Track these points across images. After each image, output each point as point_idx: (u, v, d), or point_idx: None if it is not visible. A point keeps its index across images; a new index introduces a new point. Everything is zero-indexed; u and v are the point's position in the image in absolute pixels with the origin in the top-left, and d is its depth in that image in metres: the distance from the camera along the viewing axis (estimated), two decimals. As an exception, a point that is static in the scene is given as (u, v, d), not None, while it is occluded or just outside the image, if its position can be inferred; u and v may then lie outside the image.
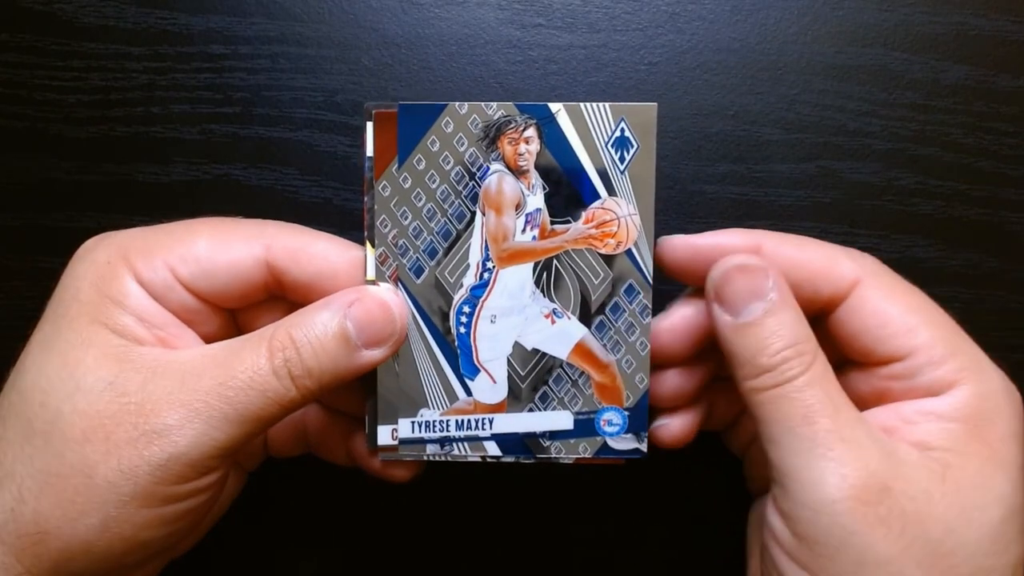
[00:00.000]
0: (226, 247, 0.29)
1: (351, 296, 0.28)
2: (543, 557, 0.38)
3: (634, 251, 0.30)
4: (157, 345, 0.28)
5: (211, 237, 0.29)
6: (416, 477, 0.32)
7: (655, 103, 0.29)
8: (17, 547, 0.25)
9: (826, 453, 0.26)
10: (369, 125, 0.30)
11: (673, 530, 0.38)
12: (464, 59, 0.37)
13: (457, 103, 0.30)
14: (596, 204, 0.30)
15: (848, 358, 0.30)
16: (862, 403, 0.29)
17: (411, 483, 0.32)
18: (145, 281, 0.28)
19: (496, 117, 0.30)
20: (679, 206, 0.37)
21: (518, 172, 0.30)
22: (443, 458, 0.31)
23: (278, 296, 0.30)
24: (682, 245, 0.30)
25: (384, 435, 0.31)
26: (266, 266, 0.29)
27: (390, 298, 0.29)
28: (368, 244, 0.30)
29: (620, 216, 0.30)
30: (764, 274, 0.28)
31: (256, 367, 0.27)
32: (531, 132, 0.30)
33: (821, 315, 0.30)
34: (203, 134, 0.37)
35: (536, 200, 0.30)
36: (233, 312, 0.31)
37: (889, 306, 0.29)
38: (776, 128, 0.37)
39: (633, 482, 0.38)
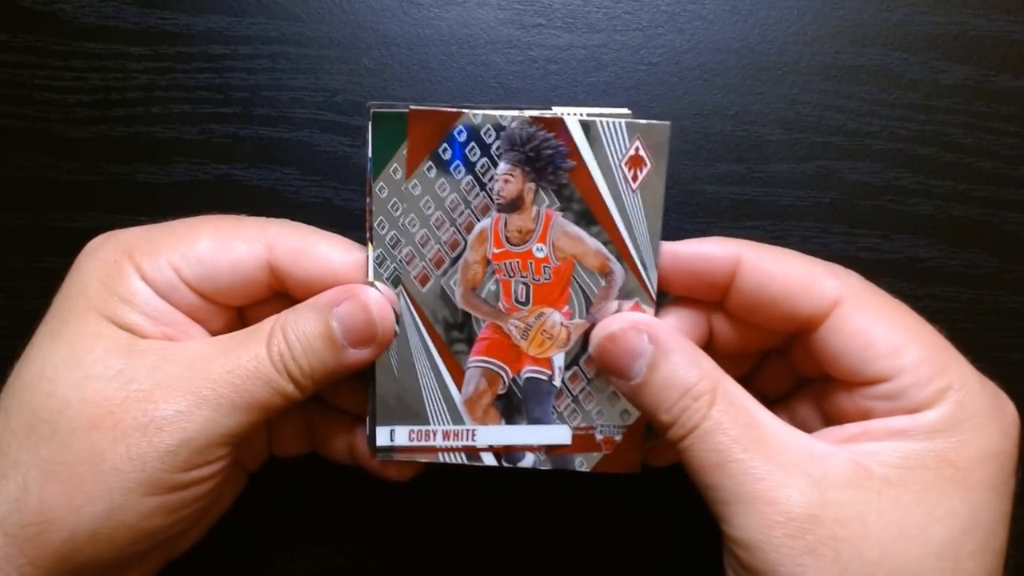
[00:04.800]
0: (228, 247, 0.29)
1: (339, 295, 0.29)
2: (542, 558, 0.38)
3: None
4: (164, 340, 0.28)
5: (214, 237, 0.29)
6: (415, 477, 0.32)
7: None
8: (20, 538, 0.25)
9: (741, 495, 0.26)
10: (370, 124, 0.30)
11: (678, 534, 0.38)
12: (464, 59, 0.37)
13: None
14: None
15: (832, 377, 0.30)
16: (844, 419, 0.29)
17: (410, 483, 0.32)
18: (150, 280, 0.28)
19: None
20: (679, 206, 0.37)
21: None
22: (450, 461, 0.31)
23: (283, 295, 0.31)
24: (666, 254, 0.30)
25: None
26: (268, 266, 0.29)
27: (373, 298, 0.29)
28: (369, 245, 0.30)
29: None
30: (635, 333, 0.28)
31: (259, 356, 0.27)
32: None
33: (802, 332, 0.30)
34: (203, 134, 0.37)
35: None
36: (239, 309, 0.31)
37: (873, 326, 0.28)
38: (776, 128, 0.37)
39: (638, 484, 0.38)
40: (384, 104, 0.30)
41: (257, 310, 0.31)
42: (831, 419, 0.30)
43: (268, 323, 0.28)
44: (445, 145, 0.29)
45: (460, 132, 0.29)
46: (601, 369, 0.30)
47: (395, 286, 0.30)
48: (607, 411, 0.31)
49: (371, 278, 0.30)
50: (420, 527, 0.38)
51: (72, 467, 0.26)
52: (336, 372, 0.28)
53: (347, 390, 0.32)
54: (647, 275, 0.30)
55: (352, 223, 0.36)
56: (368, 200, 0.30)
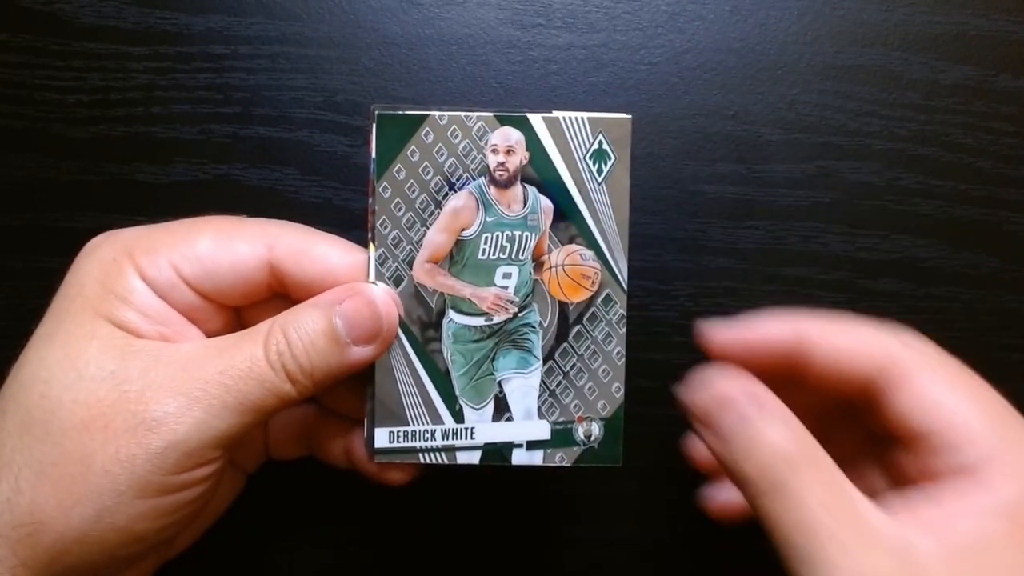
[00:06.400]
0: (229, 247, 0.29)
1: (342, 294, 0.28)
2: (541, 557, 0.38)
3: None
4: (160, 340, 0.28)
5: (215, 236, 0.29)
6: (413, 480, 0.32)
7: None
8: (12, 539, 0.25)
9: (824, 564, 0.25)
10: (374, 126, 0.30)
11: (668, 531, 0.38)
12: (464, 59, 0.37)
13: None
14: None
15: (898, 441, 0.29)
16: (907, 483, 0.28)
17: (408, 486, 0.32)
18: (149, 279, 0.28)
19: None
20: (679, 206, 0.37)
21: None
22: (436, 461, 0.31)
23: (282, 295, 0.31)
24: (731, 339, 0.30)
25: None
26: (269, 266, 0.29)
27: (378, 295, 0.29)
28: (371, 245, 0.30)
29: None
30: (740, 399, 0.28)
31: (254, 357, 0.27)
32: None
33: (872, 397, 0.29)
34: (203, 134, 0.37)
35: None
36: (238, 310, 0.31)
37: (942, 394, 0.27)
38: (776, 128, 0.37)
39: (628, 482, 0.38)
40: (388, 105, 0.30)
41: (256, 312, 0.31)
42: (894, 479, 0.30)
43: (265, 324, 0.28)
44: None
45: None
46: (692, 418, 0.29)
47: (397, 286, 0.30)
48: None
49: (373, 278, 0.30)
50: (418, 527, 0.38)
51: (63, 468, 0.25)
52: (338, 372, 0.28)
53: (344, 393, 0.32)
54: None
55: (352, 223, 0.36)
56: (371, 200, 0.30)
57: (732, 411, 0.28)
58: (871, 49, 0.38)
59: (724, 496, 0.33)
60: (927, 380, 0.28)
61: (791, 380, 0.29)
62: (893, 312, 0.37)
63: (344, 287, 0.29)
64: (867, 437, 0.32)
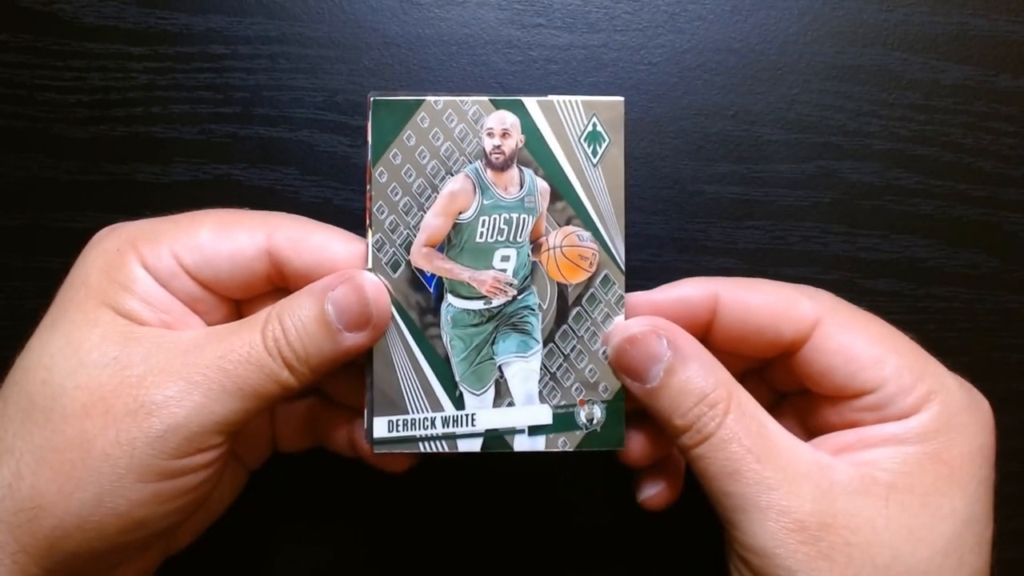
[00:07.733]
0: (229, 236, 0.29)
1: (334, 280, 0.29)
2: (544, 550, 0.38)
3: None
4: (162, 328, 0.28)
5: (215, 227, 0.29)
6: (412, 466, 0.32)
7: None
8: (13, 524, 0.25)
9: (757, 503, 0.26)
10: (370, 112, 0.30)
11: (669, 522, 0.38)
12: (464, 59, 0.37)
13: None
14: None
15: (814, 392, 0.30)
16: (829, 431, 0.30)
17: (411, 480, 0.32)
18: (151, 267, 0.28)
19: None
20: (679, 206, 0.37)
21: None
22: (437, 450, 0.31)
23: (282, 288, 0.31)
24: (644, 304, 0.31)
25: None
26: (268, 256, 0.29)
27: (368, 282, 0.29)
28: (368, 231, 0.30)
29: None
30: (655, 337, 0.29)
31: (253, 342, 0.27)
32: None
33: (786, 355, 0.30)
34: (203, 134, 0.37)
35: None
36: (238, 303, 0.31)
37: (853, 341, 0.29)
38: (776, 128, 0.37)
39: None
40: (386, 93, 0.30)
41: (256, 307, 0.31)
42: (815, 432, 0.31)
43: (264, 312, 0.28)
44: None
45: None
46: (617, 371, 0.30)
47: (394, 271, 0.30)
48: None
49: (370, 264, 0.30)
50: (419, 524, 0.38)
51: (63, 453, 0.26)
52: (333, 358, 0.28)
53: (346, 381, 0.32)
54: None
55: (352, 223, 0.35)
56: (368, 186, 0.30)
57: (646, 354, 0.29)
58: (871, 49, 0.38)
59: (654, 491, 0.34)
60: (839, 332, 0.29)
61: (706, 343, 0.30)
62: (893, 312, 0.37)
63: (337, 274, 0.29)
64: (775, 394, 0.34)
